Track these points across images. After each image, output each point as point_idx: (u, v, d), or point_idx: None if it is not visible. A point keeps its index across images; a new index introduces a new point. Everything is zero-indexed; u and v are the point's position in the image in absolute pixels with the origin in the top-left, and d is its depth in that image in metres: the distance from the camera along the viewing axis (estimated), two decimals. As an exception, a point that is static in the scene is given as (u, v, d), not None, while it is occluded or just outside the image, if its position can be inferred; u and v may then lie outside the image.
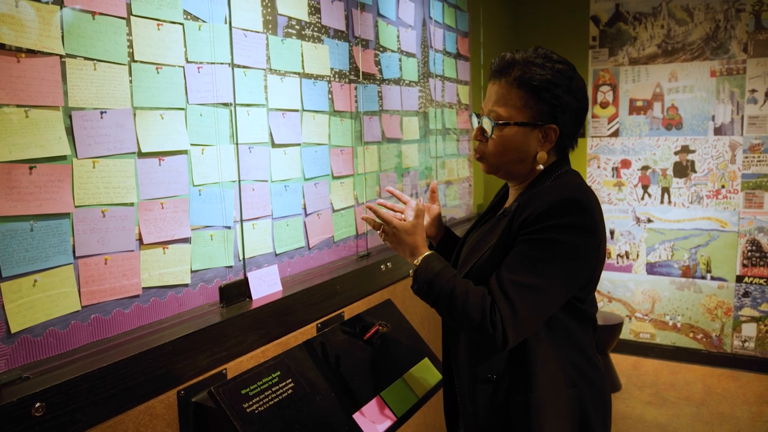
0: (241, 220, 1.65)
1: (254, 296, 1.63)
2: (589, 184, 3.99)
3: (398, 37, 2.53)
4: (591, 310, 1.26)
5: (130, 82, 1.33)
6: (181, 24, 1.45)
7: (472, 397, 1.28)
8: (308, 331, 1.75)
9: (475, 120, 1.30)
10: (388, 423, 1.57)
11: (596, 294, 1.34)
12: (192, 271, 1.50)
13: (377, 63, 2.36)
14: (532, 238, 1.14)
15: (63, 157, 1.20)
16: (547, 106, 1.19)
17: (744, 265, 3.69)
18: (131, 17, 1.33)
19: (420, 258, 1.27)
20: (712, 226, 3.75)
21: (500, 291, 1.13)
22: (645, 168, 3.91)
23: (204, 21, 1.52)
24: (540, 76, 1.18)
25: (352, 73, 2.18)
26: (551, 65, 1.19)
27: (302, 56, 1.90)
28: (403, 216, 1.41)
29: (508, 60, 1.22)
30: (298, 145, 1.90)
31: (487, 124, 1.25)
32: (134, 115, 1.34)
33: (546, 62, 1.20)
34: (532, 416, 1.20)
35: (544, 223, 1.13)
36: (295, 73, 1.87)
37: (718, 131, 3.69)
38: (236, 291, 1.59)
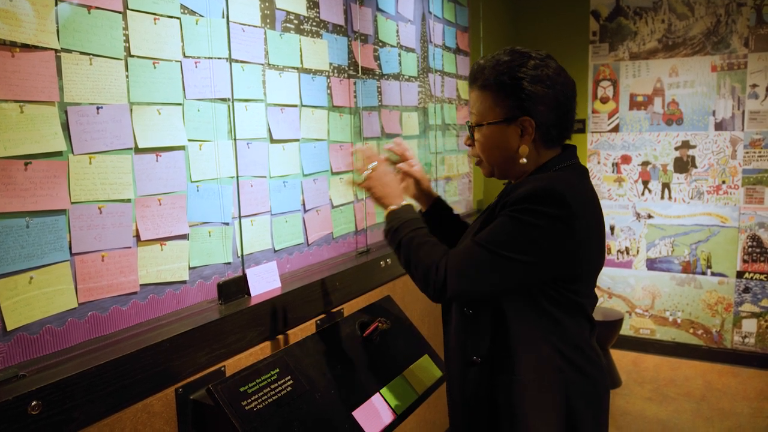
0: (240, 217, 1.64)
1: (253, 293, 1.62)
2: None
3: (397, 31, 2.52)
4: (582, 300, 1.25)
5: (127, 77, 1.32)
6: (178, 18, 1.44)
7: (460, 379, 1.31)
8: (307, 328, 1.74)
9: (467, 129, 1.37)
10: (387, 420, 1.57)
11: (596, 290, 1.33)
12: (190, 268, 1.49)
13: (376, 58, 2.34)
14: (507, 215, 1.18)
15: (59, 153, 1.19)
16: (514, 101, 1.22)
17: (744, 261, 3.68)
18: (127, 11, 1.32)
19: (396, 205, 1.35)
20: (713, 222, 3.74)
21: (457, 248, 1.21)
22: (645, 163, 3.90)
23: (201, 15, 1.50)
24: (503, 75, 1.22)
25: (351, 68, 2.16)
26: (517, 61, 1.23)
27: (301, 51, 1.89)
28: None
29: (476, 68, 1.29)
30: (297, 140, 1.89)
31: (469, 130, 1.32)
32: (131, 110, 1.33)
33: (513, 59, 1.23)
34: (515, 397, 1.22)
35: (522, 206, 1.16)
36: (293, 68, 1.86)
37: (719, 126, 3.68)
38: (235, 288, 1.58)
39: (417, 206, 1.51)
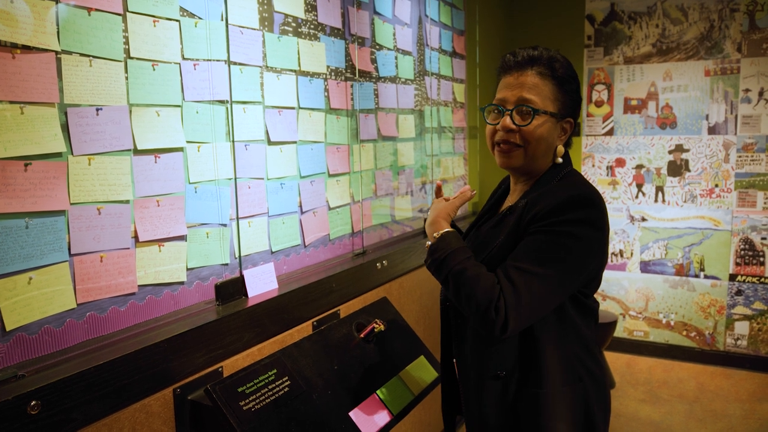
0: (237, 218, 1.65)
1: (250, 294, 1.63)
2: (583, 182, 3.99)
3: (394, 34, 2.53)
4: (594, 305, 1.28)
5: (126, 78, 1.33)
6: (177, 21, 1.45)
7: (478, 394, 1.28)
8: (304, 329, 1.75)
9: (492, 111, 1.27)
10: (384, 420, 1.57)
11: (591, 292, 1.35)
12: (188, 269, 1.50)
13: (373, 61, 2.35)
14: (543, 230, 1.15)
15: (58, 154, 1.19)
16: (569, 100, 1.26)
17: (737, 264, 3.71)
18: (127, 13, 1.32)
19: (439, 233, 1.26)
20: (706, 225, 3.77)
21: (506, 279, 1.13)
22: (639, 167, 3.92)
23: (200, 18, 1.51)
24: (563, 71, 1.24)
25: (348, 70, 2.17)
26: (567, 64, 1.27)
27: (298, 54, 1.90)
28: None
29: (534, 54, 1.24)
30: (294, 142, 1.90)
31: (518, 116, 1.23)
32: (130, 112, 1.34)
33: (565, 61, 1.27)
34: (540, 411, 1.21)
35: (556, 218, 1.14)
36: (291, 70, 1.87)
37: (712, 130, 3.71)
38: (232, 289, 1.59)
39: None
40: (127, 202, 1.34)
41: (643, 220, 3.94)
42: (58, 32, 1.18)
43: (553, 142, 1.26)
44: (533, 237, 1.16)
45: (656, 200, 3.89)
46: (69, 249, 1.22)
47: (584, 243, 1.15)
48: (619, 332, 4.04)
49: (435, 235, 1.27)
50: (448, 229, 1.28)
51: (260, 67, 1.73)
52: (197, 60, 1.50)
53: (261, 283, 1.67)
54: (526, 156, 1.25)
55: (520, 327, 1.14)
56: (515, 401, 1.23)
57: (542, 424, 1.21)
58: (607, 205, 3.96)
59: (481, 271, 1.17)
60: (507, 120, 1.24)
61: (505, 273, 1.14)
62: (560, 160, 1.27)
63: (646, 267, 3.95)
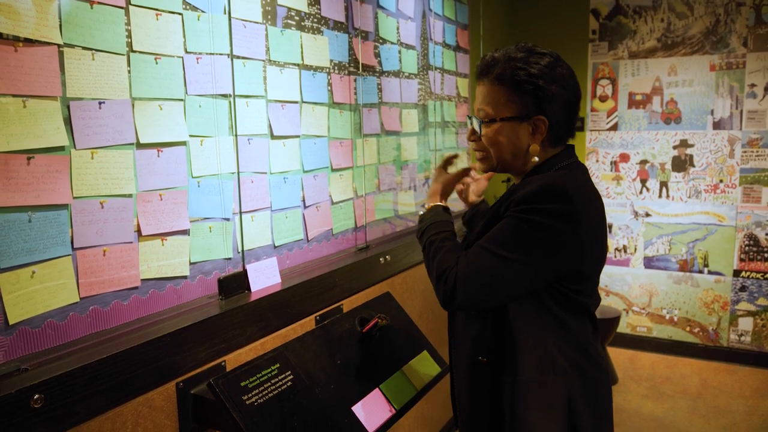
0: (240, 212, 1.64)
1: (253, 288, 1.63)
2: (587, 177, 3.98)
3: (398, 29, 2.52)
4: (586, 301, 1.25)
5: (129, 72, 1.32)
6: (180, 14, 1.44)
7: (467, 381, 1.31)
8: (307, 324, 1.75)
9: (469, 122, 1.34)
10: (386, 415, 1.57)
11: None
12: (191, 263, 1.50)
13: (377, 55, 2.34)
14: (512, 215, 1.17)
15: (61, 148, 1.19)
16: (531, 98, 1.21)
17: (741, 260, 3.70)
18: (130, 7, 1.32)
19: (429, 205, 1.41)
20: (710, 221, 3.76)
21: (466, 254, 1.20)
22: (643, 162, 3.91)
23: (203, 11, 1.50)
24: (520, 70, 1.20)
25: (352, 64, 2.16)
26: (533, 58, 1.21)
27: (302, 47, 1.89)
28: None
29: (489, 60, 1.26)
30: (298, 137, 1.89)
31: (476, 124, 1.29)
32: (133, 105, 1.33)
33: (528, 56, 1.22)
34: (516, 399, 1.21)
35: (525, 206, 1.15)
36: (294, 64, 1.86)
37: (717, 126, 3.69)
38: (235, 283, 1.59)
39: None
40: (130, 196, 1.33)
41: (647, 215, 3.93)
42: (60, 25, 1.17)
43: (522, 143, 1.24)
44: (503, 222, 1.18)
45: (660, 195, 3.88)
46: (72, 243, 1.22)
47: (553, 234, 1.13)
48: (623, 328, 4.03)
49: (426, 206, 1.41)
50: (439, 202, 1.40)
51: (263, 60, 1.73)
52: (200, 54, 1.50)
53: (264, 278, 1.67)
54: (492, 160, 1.30)
55: (469, 301, 1.17)
56: (495, 388, 1.24)
57: (518, 412, 1.21)
58: (611, 201, 3.96)
59: (446, 244, 1.25)
60: (468, 132, 1.34)
61: (469, 250, 1.20)
62: (536, 159, 1.24)
63: (649, 262, 3.94)
